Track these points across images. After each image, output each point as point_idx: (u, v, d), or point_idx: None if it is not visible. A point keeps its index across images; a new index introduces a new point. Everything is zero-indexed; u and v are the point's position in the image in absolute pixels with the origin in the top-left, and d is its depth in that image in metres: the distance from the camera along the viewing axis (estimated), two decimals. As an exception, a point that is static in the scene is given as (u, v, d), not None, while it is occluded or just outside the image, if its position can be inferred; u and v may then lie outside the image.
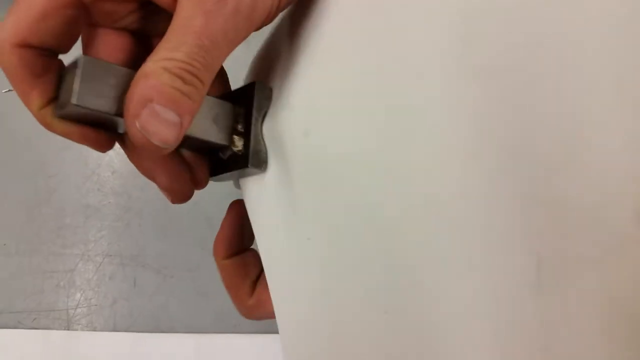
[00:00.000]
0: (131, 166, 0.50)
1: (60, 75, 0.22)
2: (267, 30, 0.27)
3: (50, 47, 0.21)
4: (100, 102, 0.21)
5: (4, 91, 0.53)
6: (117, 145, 0.50)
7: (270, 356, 0.45)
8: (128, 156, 0.25)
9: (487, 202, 0.18)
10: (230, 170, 0.26)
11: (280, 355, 0.43)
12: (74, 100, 0.21)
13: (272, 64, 0.26)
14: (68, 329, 0.45)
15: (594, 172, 0.16)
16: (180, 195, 0.26)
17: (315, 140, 0.23)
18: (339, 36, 0.23)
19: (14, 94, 0.53)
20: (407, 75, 0.20)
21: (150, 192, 0.50)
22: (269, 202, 0.26)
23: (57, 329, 0.45)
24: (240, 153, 0.25)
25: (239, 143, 0.25)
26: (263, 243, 0.26)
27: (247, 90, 0.26)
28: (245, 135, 0.25)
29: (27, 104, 0.22)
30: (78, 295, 0.47)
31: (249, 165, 0.25)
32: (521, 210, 0.17)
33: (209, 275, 0.47)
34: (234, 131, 0.25)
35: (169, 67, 0.20)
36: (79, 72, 0.21)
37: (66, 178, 0.51)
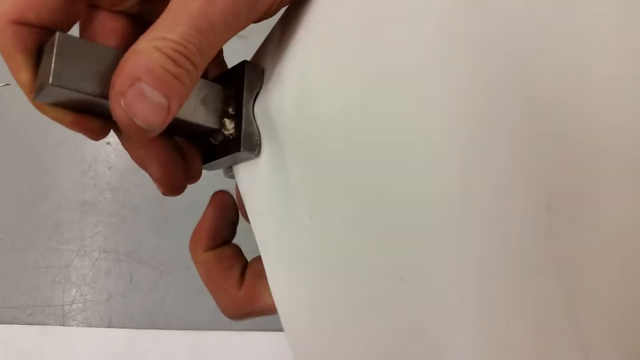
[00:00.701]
0: (128, 161, 0.50)
1: (39, 55, 0.21)
2: (266, 27, 0.27)
3: (48, 25, 0.20)
4: (82, 82, 0.20)
5: (0, 85, 0.53)
6: (114, 141, 0.50)
7: (266, 353, 0.45)
8: (122, 143, 0.25)
9: (490, 145, 0.17)
10: (222, 156, 0.25)
11: (276, 352, 0.43)
12: (50, 80, 0.19)
13: (265, 49, 0.26)
14: (63, 325, 0.45)
15: (601, 104, 0.16)
16: (172, 187, 0.25)
17: (307, 111, 0.23)
18: (330, 9, 0.22)
19: (9, 88, 0.52)
20: (398, 32, 0.20)
21: (147, 188, 0.50)
22: (265, 187, 0.25)
23: (52, 325, 0.45)
24: (231, 137, 0.24)
25: (230, 126, 0.24)
26: (260, 230, 0.25)
27: (238, 71, 0.25)
28: (237, 118, 0.24)
29: (20, 83, 0.21)
30: (74, 291, 0.47)
31: (241, 149, 0.24)
32: (528, 150, 0.17)
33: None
34: (224, 114, 0.25)
35: (161, 46, 0.19)
36: (54, 49, 0.19)
37: (62, 173, 0.50)
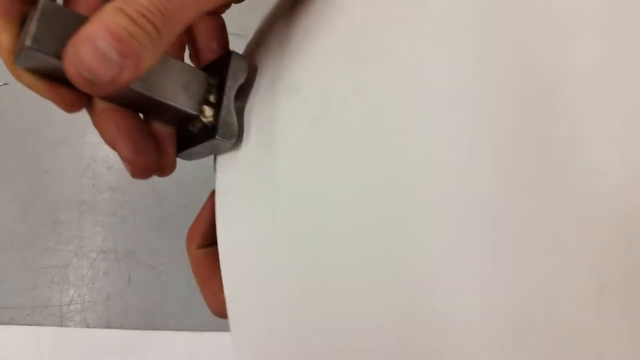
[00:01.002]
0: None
1: (23, 22, 0.21)
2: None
3: None
4: (59, 48, 0.20)
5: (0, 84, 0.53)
6: (107, 155, 0.49)
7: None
8: (92, 121, 0.24)
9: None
10: (198, 143, 0.25)
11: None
12: (28, 43, 0.20)
13: (266, 45, 0.25)
14: (61, 326, 0.45)
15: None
16: (141, 169, 0.25)
17: (328, 129, 0.21)
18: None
19: (8, 87, 0.52)
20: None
21: (146, 188, 0.50)
22: (240, 180, 0.24)
23: (50, 325, 0.45)
24: (209, 124, 0.25)
25: (209, 113, 0.25)
26: (222, 223, 0.25)
27: (223, 61, 0.25)
28: (217, 106, 0.24)
29: (0, 53, 0.21)
30: (72, 291, 0.46)
31: (216, 136, 0.24)
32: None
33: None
34: (205, 101, 0.25)
35: (124, 8, 0.19)
36: (37, 14, 0.20)
37: (61, 173, 0.50)
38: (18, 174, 0.50)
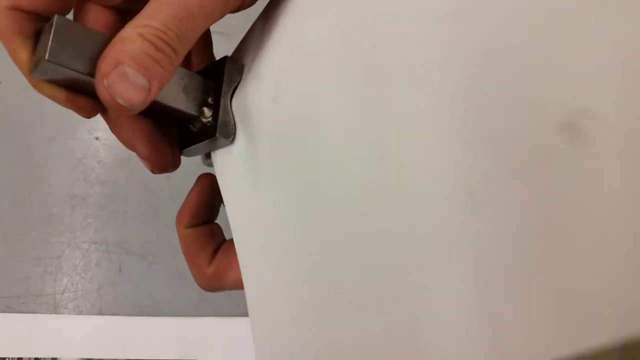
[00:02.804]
0: (116, 156, 0.52)
1: (38, 36, 0.23)
2: (248, 25, 0.29)
3: (41, 12, 0.23)
4: (74, 61, 0.22)
5: (-9, 83, 0.55)
6: (103, 136, 0.51)
7: (249, 338, 0.47)
8: (109, 126, 0.27)
9: (428, 143, 0.19)
10: (200, 141, 0.27)
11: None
12: (47, 57, 0.21)
13: (246, 45, 0.28)
14: (55, 313, 0.47)
15: (518, 96, 0.17)
16: (159, 165, 0.28)
17: (282, 104, 0.25)
18: (309, 5, 0.24)
19: (1, 86, 0.53)
20: (373, 35, 0.22)
21: (135, 181, 0.52)
22: (237, 171, 0.27)
23: (44, 313, 0.47)
24: (209, 124, 0.27)
25: (208, 114, 0.27)
26: (231, 212, 0.28)
27: (219, 65, 0.27)
28: (215, 107, 0.27)
29: (17, 63, 0.23)
30: (65, 280, 0.48)
31: (216, 135, 0.26)
32: (457, 142, 0.19)
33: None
34: (204, 103, 0.27)
35: (144, 33, 0.21)
36: (52, 30, 0.22)
37: (53, 168, 0.52)
38: (11, 168, 0.52)
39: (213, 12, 0.23)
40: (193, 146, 0.28)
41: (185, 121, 0.27)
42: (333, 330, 0.23)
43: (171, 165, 0.29)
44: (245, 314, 0.46)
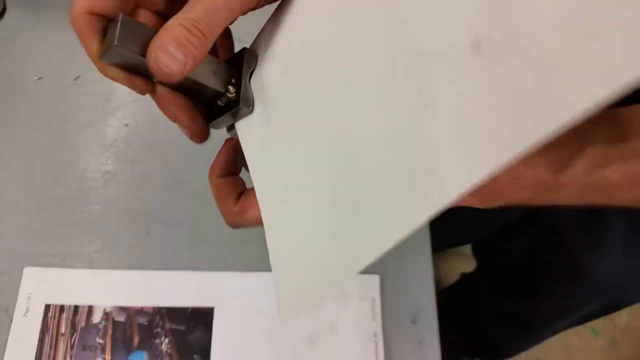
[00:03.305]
0: (143, 139, 0.62)
1: (105, 30, 0.31)
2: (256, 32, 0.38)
3: (108, 15, 0.31)
4: (134, 45, 0.30)
5: (35, 78, 0.63)
6: (132, 123, 0.61)
7: (259, 290, 0.55)
8: (157, 103, 0.35)
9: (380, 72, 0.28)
10: (225, 112, 0.35)
11: (266, 289, 0.53)
12: (115, 42, 0.29)
13: (260, 38, 0.37)
14: (91, 268, 0.55)
15: (440, 17, 0.25)
16: (196, 132, 0.36)
17: (292, 73, 0.33)
18: (314, 6, 0.33)
19: (42, 81, 0.63)
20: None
21: (159, 161, 0.60)
22: (255, 133, 0.35)
23: (82, 268, 0.55)
24: (233, 98, 0.35)
25: (232, 90, 0.35)
26: (251, 163, 0.36)
27: (239, 54, 0.36)
28: (237, 86, 0.35)
29: (90, 55, 0.31)
30: (99, 242, 0.56)
31: (240, 105, 0.34)
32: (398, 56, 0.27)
33: (208, 227, 0.57)
34: (228, 83, 0.35)
35: (183, 23, 0.29)
36: (119, 24, 0.29)
37: (88, 150, 0.60)
38: (52, 150, 0.60)
39: (234, 7, 0.31)
40: (220, 117, 0.36)
41: (215, 98, 0.35)
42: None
43: (205, 134, 0.37)
44: (252, 269, 0.54)
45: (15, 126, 0.61)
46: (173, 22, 0.30)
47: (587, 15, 0.20)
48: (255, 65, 0.36)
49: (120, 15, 0.30)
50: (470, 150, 0.23)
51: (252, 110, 0.36)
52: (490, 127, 0.23)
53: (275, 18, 0.36)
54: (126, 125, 0.61)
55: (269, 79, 0.35)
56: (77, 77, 0.64)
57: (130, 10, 0.33)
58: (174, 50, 0.29)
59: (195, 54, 0.29)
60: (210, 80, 0.34)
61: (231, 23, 0.33)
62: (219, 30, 0.31)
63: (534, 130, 0.21)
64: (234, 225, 0.37)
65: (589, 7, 0.20)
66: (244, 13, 0.33)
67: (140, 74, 0.33)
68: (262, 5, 0.35)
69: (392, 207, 0.27)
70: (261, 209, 0.35)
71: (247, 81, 0.36)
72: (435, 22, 0.26)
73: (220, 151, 0.38)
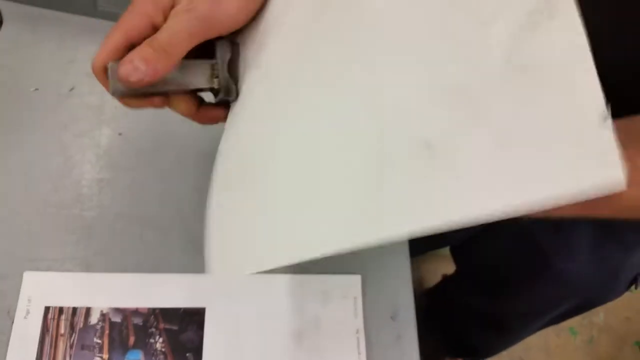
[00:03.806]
0: (136, 148, 0.65)
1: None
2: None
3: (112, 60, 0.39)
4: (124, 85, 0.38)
5: (32, 89, 0.66)
6: (125, 132, 0.65)
7: (248, 291, 0.58)
8: (172, 107, 0.43)
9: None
10: (217, 101, 0.42)
11: (254, 290, 0.56)
12: (111, 92, 0.38)
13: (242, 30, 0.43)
14: (88, 272, 0.58)
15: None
16: (205, 121, 0.44)
17: (263, 72, 0.39)
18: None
19: (38, 92, 0.65)
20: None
21: (152, 168, 0.63)
22: (235, 112, 0.41)
23: (79, 272, 0.57)
24: (218, 89, 0.41)
25: (215, 82, 0.41)
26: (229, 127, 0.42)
27: (214, 47, 0.41)
28: (219, 78, 0.40)
29: (106, 88, 0.40)
30: (95, 246, 0.59)
31: (221, 96, 0.40)
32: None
33: (199, 231, 0.60)
34: (214, 76, 0.40)
35: (150, 42, 0.37)
36: (109, 73, 0.38)
37: (83, 158, 0.63)
38: (49, 158, 0.62)
39: (196, 34, 0.38)
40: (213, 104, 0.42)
41: (209, 91, 0.41)
42: None
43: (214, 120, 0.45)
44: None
45: (15, 135, 0.63)
46: (143, 43, 0.37)
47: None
48: (231, 54, 0.41)
49: (109, 64, 0.38)
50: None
51: (237, 97, 0.41)
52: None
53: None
54: (120, 134, 0.64)
55: (253, 63, 0.41)
56: (72, 88, 0.67)
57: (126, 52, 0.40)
58: (138, 62, 0.36)
59: (156, 67, 0.37)
60: (198, 81, 0.40)
61: (196, 45, 0.39)
62: (182, 50, 0.38)
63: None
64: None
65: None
66: (207, 39, 0.39)
67: (148, 93, 0.39)
68: (227, 33, 0.40)
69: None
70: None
71: (225, 72, 0.41)
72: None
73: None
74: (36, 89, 0.66)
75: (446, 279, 1.30)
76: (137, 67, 0.36)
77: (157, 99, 0.41)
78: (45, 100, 0.66)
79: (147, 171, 0.63)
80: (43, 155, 0.63)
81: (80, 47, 0.69)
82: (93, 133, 0.65)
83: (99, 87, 0.66)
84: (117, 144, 0.64)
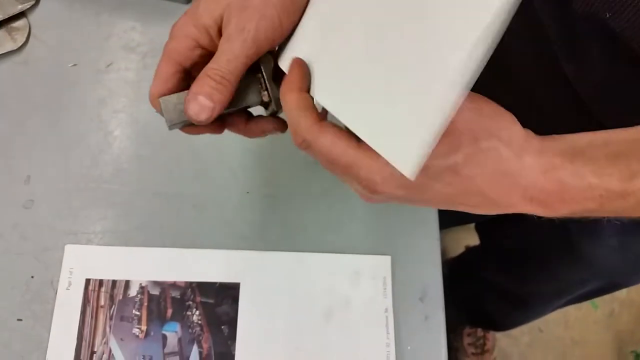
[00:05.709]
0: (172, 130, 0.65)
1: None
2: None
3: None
4: (180, 117, 0.39)
5: (70, 65, 0.67)
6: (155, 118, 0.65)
7: (280, 268, 0.60)
8: (229, 128, 0.44)
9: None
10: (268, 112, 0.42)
11: (286, 267, 0.58)
12: (168, 125, 0.39)
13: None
14: (127, 246, 0.60)
15: None
16: (256, 135, 0.44)
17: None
18: None
19: (77, 67, 0.67)
20: None
21: (188, 144, 0.64)
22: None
23: (118, 245, 0.60)
24: (269, 101, 0.41)
25: (265, 95, 0.41)
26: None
27: (258, 62, 0.40)
28: (267, 90, 0.41)
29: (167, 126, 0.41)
30: (134, 221, 0.61)
31: (272, 107, 0.41)
32: None
33: (234, 208, 0.62)
34: (261, 89, 0.41)
35: (210, 74, 0.37)
36: (162, 108, 0.39)
37: (122, 133, 0.65)
38: (89, 134, 0.64)
39: (251, 55, 0.37)
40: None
41: (261, 106, 0.42)
42: None
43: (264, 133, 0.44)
44: (273, 249, 0.59)
45: (54, 111, 0.65)
46: (202, 74, 0.37)
47: None
48: (272, 66, 0.41)
49: (160, 100, 0.39)
50: None
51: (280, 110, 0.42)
52: None
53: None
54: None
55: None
56: (110, 64, 0.68)
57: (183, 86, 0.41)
58: (203, 99, 0.36)
59: (221, 99, 0.37)
60: (249, 99, 0.41)
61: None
62: (240, 75, 0.38)
63: None
64: (307, 139, 0.36)
65: None
66: (259, 56, 0.39)
67: None
68: (275, 47, 0.40)
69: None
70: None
71: (272, 83, 0.41)
72: None
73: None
74: (74, 65, 0.67)
75: (470, 250, 1.31)
76: (204, 105, 0.36)
77: (216, 125, 0.41)
78: (84, 76, 0.67)
79: (183, 149, 0.64)
80: (83, 131, 0.64)
81: (117, 23, 0.70)
82: (131, 109, 0.66)
83: (136, 63, 0.68)
84: (154, 120, 0.65)
